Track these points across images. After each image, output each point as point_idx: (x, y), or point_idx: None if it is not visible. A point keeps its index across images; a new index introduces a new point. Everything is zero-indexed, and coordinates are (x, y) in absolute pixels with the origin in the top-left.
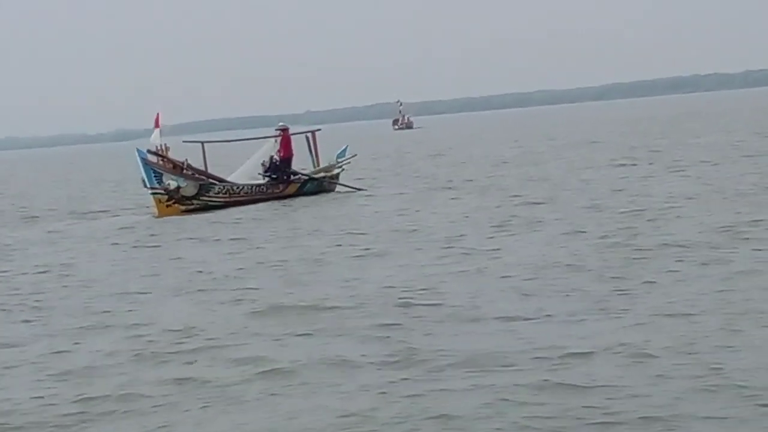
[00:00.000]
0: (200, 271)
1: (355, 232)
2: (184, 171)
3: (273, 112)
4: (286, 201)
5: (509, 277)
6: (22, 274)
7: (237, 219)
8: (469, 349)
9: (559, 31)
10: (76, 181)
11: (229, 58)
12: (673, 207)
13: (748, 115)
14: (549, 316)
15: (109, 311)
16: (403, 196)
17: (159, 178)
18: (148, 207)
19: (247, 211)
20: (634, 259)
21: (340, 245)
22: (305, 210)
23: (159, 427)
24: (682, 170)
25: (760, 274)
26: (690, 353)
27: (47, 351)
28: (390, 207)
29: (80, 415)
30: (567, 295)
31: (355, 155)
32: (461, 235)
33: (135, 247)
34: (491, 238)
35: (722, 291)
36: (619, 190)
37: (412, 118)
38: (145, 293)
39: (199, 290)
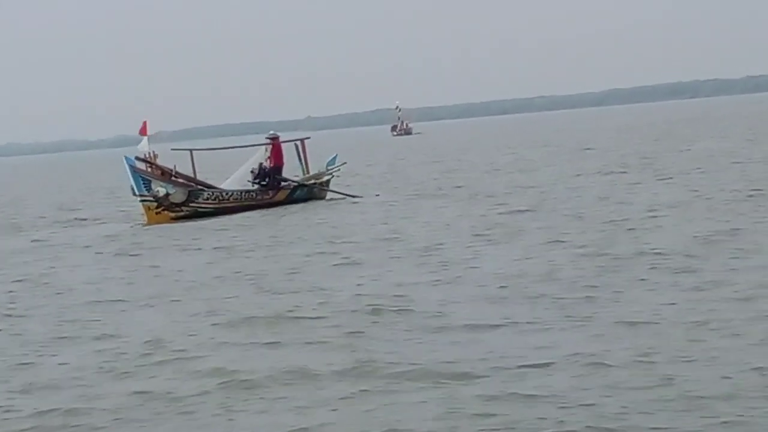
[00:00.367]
0: (177, 281)
1: (336, 240)
2: (173, 178)
3: (273, 117)
4: (275, 209)
5: (482, 286)
6: None
7: (223, 227)
8: (429, 359)
9: (559, 37)
10: (70, 188)
11: (230, 64)
12: (655, 216)
13: (744, 121)
14: (514, 325)
15: (79, 322)
16: (390, 203)
17: (148, 185)
18: (141, 215)
19: (234, 219)
20: (607, 268)
21: (322, 253)
22: (291, 218)
23: None
24: (670, 178)
25: (729, 284)
26: (646, 363)
27: (13, 363)
28: (375, 215)
29: (33, 430)
30: (535, 305)
31: (345, 163)
32: (440, 244)
33: (117, 255)
34: (470, 246)
35: (688, 301)
36: (605, 198)
37: (411, 124)
38: (119, 303)
39: (172, 300)
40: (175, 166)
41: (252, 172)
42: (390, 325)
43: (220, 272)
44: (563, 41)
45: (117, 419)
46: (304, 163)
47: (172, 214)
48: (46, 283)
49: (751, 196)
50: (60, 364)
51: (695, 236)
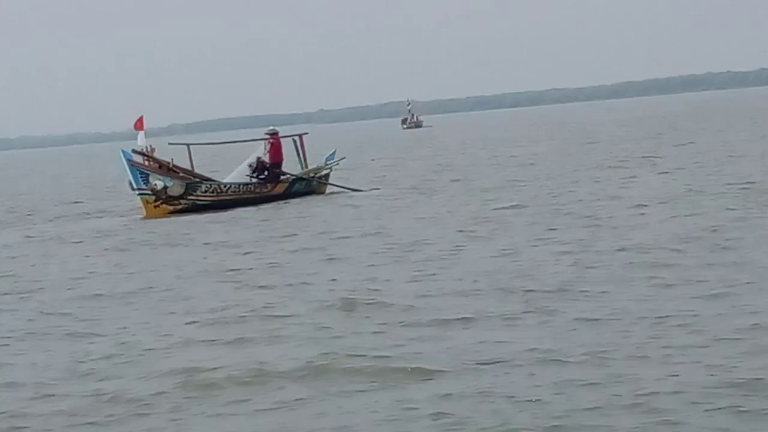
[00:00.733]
0: (159, 277)
1: (324, 236)
2: (171, 170)
3: (286, 110)
4: (271, 203)
5: (458, 280)
6: None
7: (216, 221)
8: (391, 356)
9: (572, 29)
10: (74, 181)
11: (243, 57)
12: (643, 213)
13: (754, 113)
14: (481, 320)
15: (53, 318)
16: (386, 197)
17: (145, 178)
18: (139, 208)
19: (228, 214)
20: (584, 264)
21: (308, 248)
22: (284, 212)
23: None
24: (666, 173)
25: (700, 281)
26: (602, 361)
27: None
28: (368, 209)
29: None
30: (505, 301)
31: (343, 158)
32: (425, 240)
33: (106, 250)
34: (453, 242)
35: (656, 297)
36: (597, 193)
37: (421, 117)
38: (97, 300)
39: (149, 297)
40: (172, 159)
41: (250, 166)
42: (359, 321)
43: (204, 268)
44: (576, 33)
45: (70, 425)
46: (302, 158)
47: (170, 207)
48: (26, 281)
49: (744, 188)
50: (28, 363)
51: (677, 232)
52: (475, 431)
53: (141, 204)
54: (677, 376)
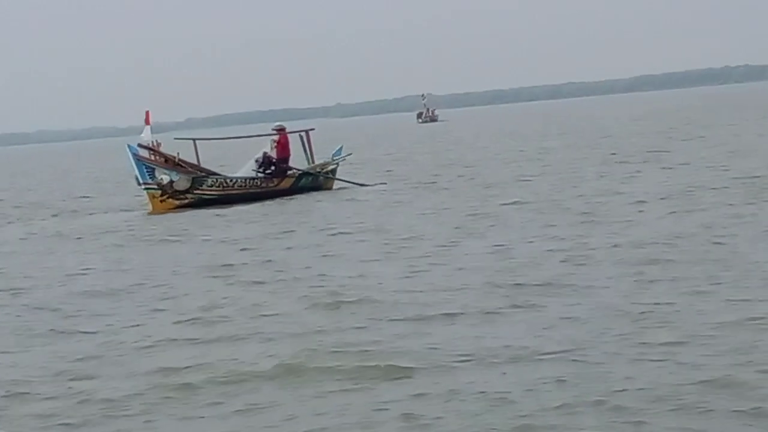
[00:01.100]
0: (151, 274)
1: (323, 231)
2: (177, 165)
3: (303, 104)
4: (276, 199)
5: (447, 277)
6: None
7: (217, 217)
8: (369, 353)
9: (589, 23)
10: (87, 175)
11: (260, 51)
12: (641, 209)
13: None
14: (462, 317)
15: (40, 317)
16: (391, 192)
17: (151, 172)
18: (146, 203)
19: (232, 210)
20: (576, 261)
21: (305, 245)
22: (287, 208)
23: None
24: (672, 168)
25: (687, 279)
26: (576, 359)
27: None
28: (372, 205)
29: None
30: (490, 297)
31: (350, 154)
32: (422, 236)
33: (105, 246)
34: (450, 239)
35: (641, 295)
36: (600, 189)
37: (436, 112)
38: (87, 297)
39: (140, 295)
40: (178, 154)
41: (256, 161)
42: (344, 317)
43: (199, 264)
44: (594, 27)
45: (41, 426)
46: (309, 154)
47: (177, 202)
48: (25, 276)
49: (747, 183)
50: (5, 360)
51: (673, 229)
52: (447, 429)
53: (147, 198)
54: (647, 374)
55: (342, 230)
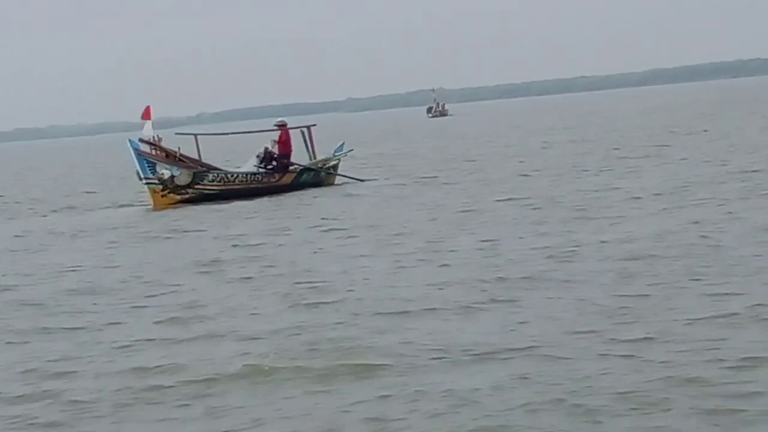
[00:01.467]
0: (142, 272)
1: (317, 229)
2: (178, 160)
3: (315, 99)
4: (275, 195)
5: (433, 272)
6: None
7: (214, 212)
8: (341, 352)
9: (601, 16)
10: (94, 171)
11: (272, 46)
12: (634, 206)
13: None
14: (439, 313)
15: (22, 315)
16: (390, 187)
17: (152, 167)
18: (147, 197)
19: (229, 206)
20: (560, 258)
21: (297, 241)
22: (285, 204)
23: None
24: (671, 163)
25: (668, 276)
26: (545, 356)
27: None
28: (369, 201)
29: None
30: (468, 294)
31: (351, 150)
32: (413, 232)
33: (99, 242)
34: (440, 234)
35: (619, 291)
36: (597, 185)
37: (447, 106)
38: (72, 295)
39: (126, 292)
40: (179, 148)
41: (258, 156)
42: (325, 314)
43: (190, 260)
44: (605, 21)
45: (7, 428)
46: (310, 150)
47: (178, 197)
48: (14, 273)
49: (743, 179)
50: None
51: (663, 226)
52: (406, 429)
53: (148, 193)
54: (612, 371)
55: (335, 226)
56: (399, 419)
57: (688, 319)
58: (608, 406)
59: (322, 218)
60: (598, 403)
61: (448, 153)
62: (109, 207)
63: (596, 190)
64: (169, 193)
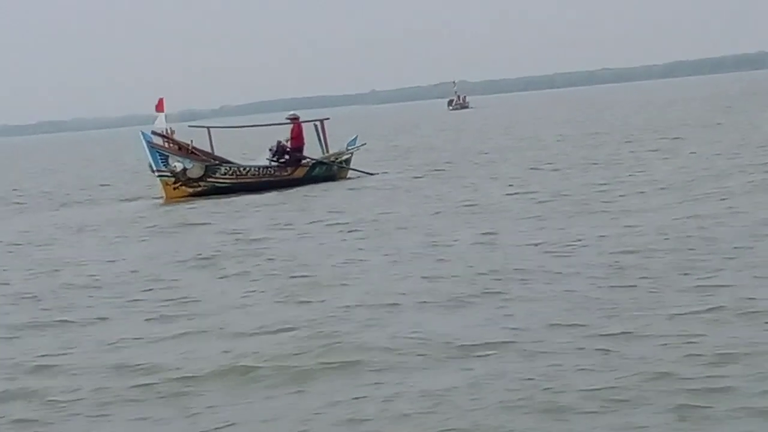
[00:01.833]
0: (142, 267)
1: (320, 224)
2: (190, 153)
3: (338, 91)
4: (287, 189)
5: (427, 266)
6: None
7: (224, 206)
8: (321, 350)
9: (624, 9)
10: (112, 164)
11: (294, 39)
12: (637, 200)
13: None
14: (424, 307)
15: (13, 311)
16: (400, 181)
17: (165, 160)
18: (160, 189)
19: (236, 200)
20: (555, 253)
21: (298, 236)
22: (295, 198)
23: None
24: (680, 157)
25: (657, 270)
26: (524, 352)
27: None
28: (378, 195)
29: None
30: (457, 288)
31: (364, 144)
32: (414, 226)
33: (104, 237)
34: (440, 228)
35: (606, 287)
36: (605, 178)
37: (468, 99)
38: (68, 290)
39: (121, 288)
40: (191, 141)
41: (270, 149)
42: (311, 311)
43: (188, 256)
44: (628, 13)
45: None
46: (323, 144)
47: (190, 190)
48: (15, 269)
49: (748, 172)
50: None
51: (664, 221)
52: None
53: (160, 186)
54: (588, 368)
55: (339, 220)
56: (371, 419)
57: (670, 314)
58: (579, 405)
59: (329, 212)
60: (570, 400)
61: (462, 146)
62: (121, 200)
63: (602, 184)
64: (181, 185)
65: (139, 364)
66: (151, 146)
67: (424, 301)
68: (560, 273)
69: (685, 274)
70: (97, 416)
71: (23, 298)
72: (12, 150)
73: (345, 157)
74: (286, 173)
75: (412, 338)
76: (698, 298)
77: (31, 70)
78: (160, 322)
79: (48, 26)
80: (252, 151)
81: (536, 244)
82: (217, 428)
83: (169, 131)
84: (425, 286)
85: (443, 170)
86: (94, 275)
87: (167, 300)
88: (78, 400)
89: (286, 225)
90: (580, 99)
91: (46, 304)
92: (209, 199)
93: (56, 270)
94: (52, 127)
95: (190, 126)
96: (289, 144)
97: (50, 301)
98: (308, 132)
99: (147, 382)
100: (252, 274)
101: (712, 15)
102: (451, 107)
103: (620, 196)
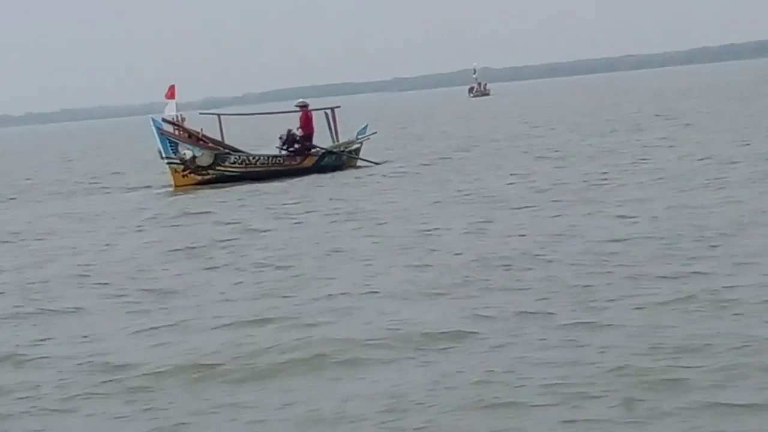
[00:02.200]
0: (128, 258)
1: (316, 214)
2: (200, 140)
3: (360, 79)
4: (292, 179)
5: (414, 257)
6: None
7: (227, 196)
8: (293, 345)
9: None
10: (127, 152)
11: (317, 26)
12: (634, 191)
13: None
14: (402, 297)
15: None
16: (405, 171)
17: (175, 147)
18: (168, 177)
19: (239, 189)
20: (540, 243)
21: (290, 229)
22: (297, 188)
23: None
24: (685, 145)
25: (639, 259)
26: (486, 349)
27: None
28: (380, 185)
29: None
30: (441, 278)
31: (375, 132)
32: (407, 217)
33: (103, 227)
34: (433, 218)
35: (581, 280)
36: (607, 167)
37: (488, 86)
38: (55, 282)
39: (104, 278)
40: (201, 129)
41: (280, 138)
42: (289, 305)
43: (180, 246)
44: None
45: None
46: (334, 133)
47: (199, 177)
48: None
49: (752, 163)
50: None
51: (655, 213)
52: None
53: (169, 173)
54: (547, 362)
55: (338, 210)
56: (324, 420)
57: (642, 303)
58: (534, 399)
59: (330, 200)
60: (526, 395)
61: (474, 134)
62: (128, 190)
63: (603, 173)
64: (190, 173)
65: (107, 358)
66: (161, 133)
67: (405, 291)
68: (543, 262)
69: (666, 264)
70: (58, 411)
71: (10, 287)
72: (34, 138)
73: (355, 146)
74: (295, 162)
75: (384, 330)
76: (674, 287)
77: (55, 57)
78: (137, 315)
79: (72, 13)
80: (268, 139)
81: (526, 234)
82: (171, 426)
83: (179, 118)
84: (409, 275)
85: (450, 158)
86: (85, 265)
87: (149, 290)
88: (42, 395)
89: (284, 214)
90: (600, 86)
91: (31, 295)
92: (216, 187)
93: (49, 260)
94: (75, 114)
95: (200, 113)
96: (296, 130)
97: (36, 291)
98: (319, 120)
99: (112, 377)
100: (239, 265)
101: (734, 1)
102: (471, 94)
103: (619, 185)
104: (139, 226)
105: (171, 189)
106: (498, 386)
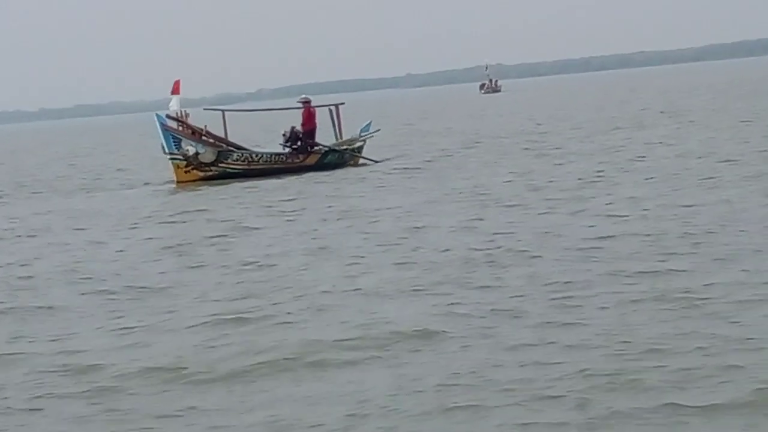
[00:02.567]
0: (116, 257)
1: (310, 212)
2: (203, 137)
3: (373, 75)
4: (291, 176)
5: (388, 253)
6: None
7: (226, 193)
8: (272, 347)
9: None
10: (135, 148)
11: (331, 22)
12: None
13: None
14: (384, 296)
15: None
16: (403, 168)
17: (178, 143)
18: (171, 172)
19: (237, 187)
20: (525, 242)
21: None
22: (294, 186)
23: None
24: (684, 144)
25: (620, 256)
26: (454, 350)
27: None
28: (378, 182)
29: None
30: (424, 276)
31: (378, 130)
32: (399, 215)
33: (94, 226)
34: (425, 217)
35: (557, 278)
36: (604, 166)
37: (500, 83)
38: (38, 281)
39: (88, 277)
40: (205, 126)
41: (283, 135)
42: (263, 305)
43: (168, 244)
44: None
45: None
46: (337, 129)
47: (201, 173)
48: None
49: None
50: None
51: (645, 212)
52: None
53: (172, 168)
54: (509, 364)
55: (332, 209)
56: (284, 426)
57: (614, 302)
58: (495, 401)
59: (326, 197)
60: (487, 398)
61: (480, 131)
62: (130, 187)
63: (600, 171)
64: (192, 169)
65: (78, 358)
66: (165, 129)
67: (385, 290)
68: (526, 259)
69: (646, 262)
70: (21, 410)
71: None
72: (46, 134)
73: (358, 144)
74: (297, 160)
75: (356, 329)
76: (650, 285)
77: (69, 53)
78: (115, 314)
79: (87, 9)
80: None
81: (514, 232)
82: (131, 430)
83: (183, 114)
84: (392, 273)
85: (452, 156)
86: (74, 263)
87: (131, 288)
88: (9, 395)
89: (278, 212)
90: (612, 83)
91: (14, 292)
92: (217, 184)
93: (38, 257)
94: (89, 110)
95: (204, 109)
96: (300, 126)
97: (19, 288)
98: (323, 117)
99: (80, 377)
100: (225, 263)
101: None
102: (482, 91)
103: (614, 183)
104: (134, 224)
105: (173, 185)
106: (460, 389)
